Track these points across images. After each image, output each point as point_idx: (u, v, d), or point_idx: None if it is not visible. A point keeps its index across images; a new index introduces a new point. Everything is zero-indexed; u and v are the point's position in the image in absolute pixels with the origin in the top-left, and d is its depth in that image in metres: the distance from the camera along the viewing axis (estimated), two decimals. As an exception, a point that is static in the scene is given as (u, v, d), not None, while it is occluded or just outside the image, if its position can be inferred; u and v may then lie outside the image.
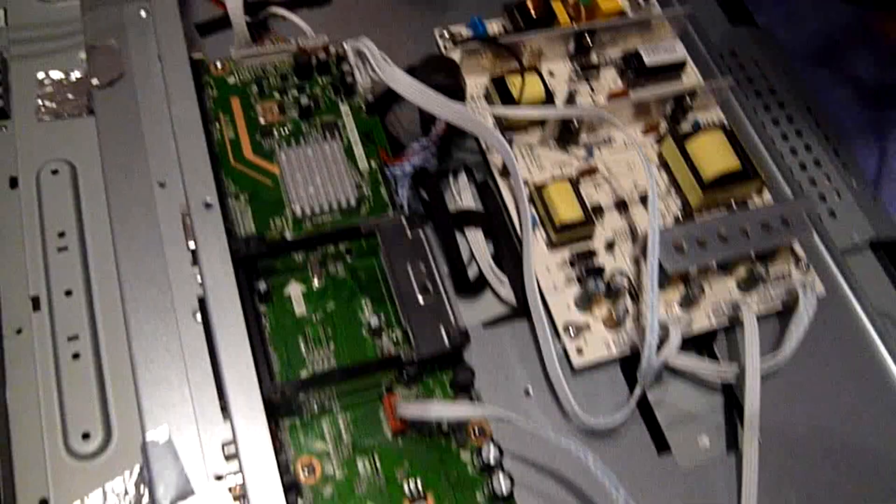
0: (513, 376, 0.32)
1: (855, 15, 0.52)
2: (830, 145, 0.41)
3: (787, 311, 0.34)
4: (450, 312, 0.29)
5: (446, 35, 0.39)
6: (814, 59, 0.49)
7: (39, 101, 0.38)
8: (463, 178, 0.36)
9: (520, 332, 0.33)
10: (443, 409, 0.27)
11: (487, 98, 0.37)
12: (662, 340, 0.31)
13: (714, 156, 0.34)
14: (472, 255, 0.35)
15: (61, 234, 0.35)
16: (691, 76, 0.40)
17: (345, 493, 0.27)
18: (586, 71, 0.38)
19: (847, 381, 0.34)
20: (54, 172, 0.36)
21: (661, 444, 0.32)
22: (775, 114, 0.42)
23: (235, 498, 0.27)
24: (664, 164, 0.36)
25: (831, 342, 0.35)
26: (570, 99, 0.37)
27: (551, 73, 0.38)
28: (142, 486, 0.30)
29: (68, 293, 0.33)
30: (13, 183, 0.37)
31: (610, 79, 0.39)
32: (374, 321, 0.30)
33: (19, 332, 0.33)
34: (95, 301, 0.33)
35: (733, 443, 0.33)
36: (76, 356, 0.32)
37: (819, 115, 0.42)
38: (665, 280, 0.33)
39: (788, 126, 0.41)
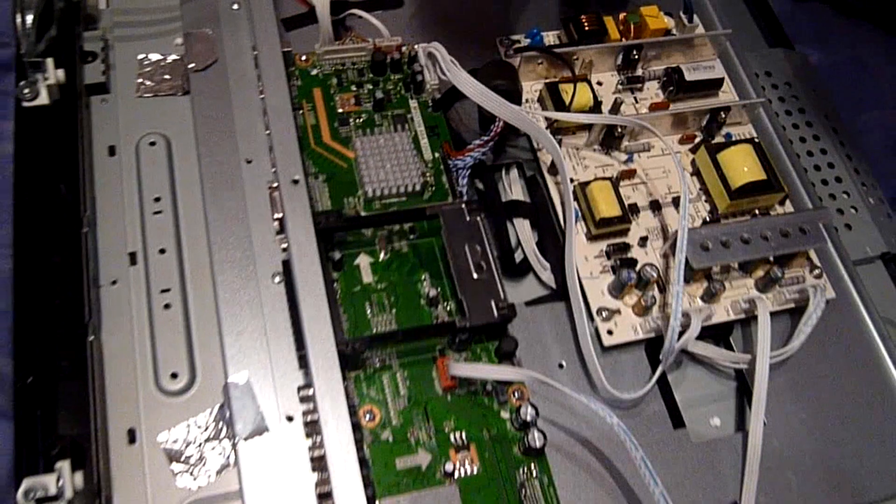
0: (549, 351, 0.36)
1: (886, 41, 0.56)
2: (852, 164, 0.45)
3: (798, 311, 0.38)
4: (500, 289, 0.33)
5: (507, 43, 0.43)
6: (845, 82, 0.52)
7: (139, 80, 0.43)
8: (514, 172, 0.40)
9: (557, 313, 0.37)
10: (490, 371, 0.32)
11: (541, 102, 0.41)
12: (684, 328, 0.35)
13: (742, 167, 0.38)
14: (519, 242, 0.39)
15: (157, 199, 0.39)
16: (728, 93, 0.43)
17: (399, 437, 0.32)
18: (632, 83, 0.42)
19: (849, 378, 0.38)
20: (152, 144, 0.41)
21: (677, 420, 0.36)
22: (803, 132, 0.45)
23: (307, 435, 0.31)
24: (696, 172, 0.40)
25: (837, 342, 0.39)
26: (616, 107, 0.41)
27: (599, 83, 0.42)
28: (220, 423, 0.34)
29: (162, 251, 0.38)
30: (112, 151, 0.41)
31: (653, 91, 0.43)
32: (431, 292, 0.34)
33: (114, 283, 0.38)
34: (185, 259, 0.38)
35: (742, 425, 0.36)
36: (167, 306, 0.37)
37: (843, 135, 0.46)
38: (690, 275, 0.37)
39: (814, 144, 0.45)
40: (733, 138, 0.41)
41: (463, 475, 0.31)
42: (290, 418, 0.32)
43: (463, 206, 0.35)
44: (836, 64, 0.53)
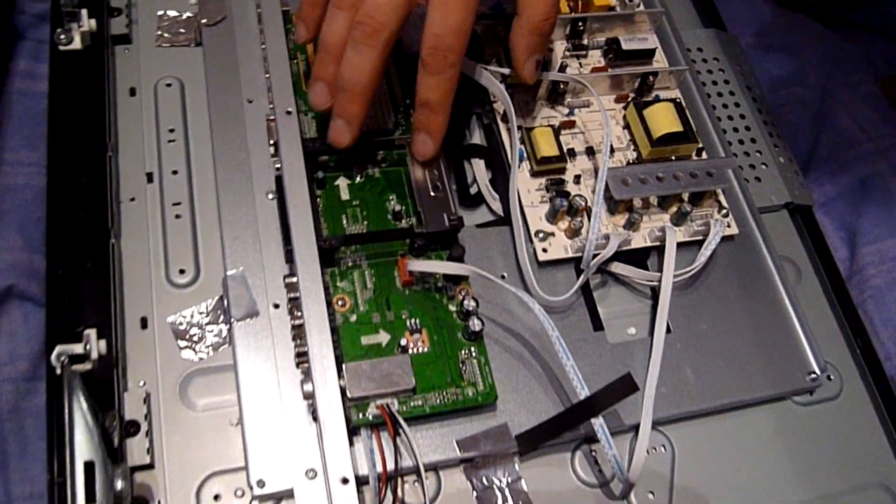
0: (494, 264, 0.43)
1: (817, 30, 0.63)
2: (767, 129, 0.52)
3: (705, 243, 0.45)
4: (451, 204, 0.41)
5: (473, 11, 0.50)
6: (772, 62, 0.60)
7: (158, 32, 0.50)
8: (474, 120, 0.48)
9: (503, 235, 0.44)
10: (439, 266, 0.39)
11: (499, 62, 0.48)
12: (606, 248, 0.42)
13: (662, 121, 0.46)
14: (475, 178, 0.46)
15: (171, 130, 0.46)
16: (660, 62, 0.51)
17: (364, 320, 0.39)
18: (577, 49, 0.50)
19: (747, 301, 0.45)
20: (168, 85, 0.48)
21: (598, 325, 0.43)
22: (726, 100, 0.53)
23: (290, 315, 0.39)
24: (627, 126, 0.48)
25: (739, 271, 0.46)
26: (562, 69, 0.48)
27: (550, 49, 0.50)
28: (219, 310, 0.42)
29: (174, 172, 0.45)
30: (132, 92, 0.48)
31: (595, 58, 0.50)
32: (397, 208, 0.41)
33: (132, 199, 0.45)
34: (194, 178, 0.45)
35: (652, 332, 0.44)
36: (178, 216, 0.44)
37: (762, 104, 0.53)
38: (615, 207, 0.44)
39: (735, 110, 0.52)
40: (660, 99, 0.48)
41: (415, 353, 0.39)
42: (276, 305, 0.40)
43: (426, 140, 0.43)
44: (767, 46, 0.61)
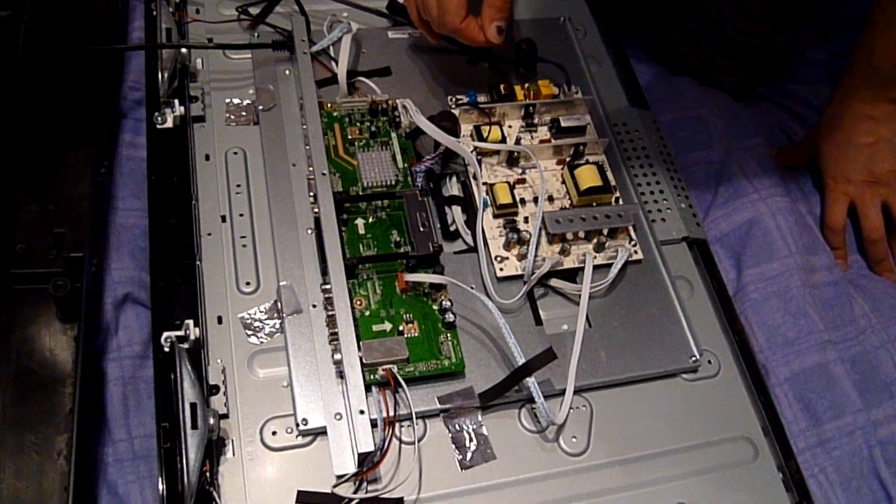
0: (466, 279, 0.61)
1: (726, 103, 0.82)
2: (674, 182, 0.71)
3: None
4: (435, 237, 0.59)
5: (454, 100, 0.69)
6: (685, 132, 0.79)
7: (226, 114, 0.69)
8: (454, 178, 0.66)
9: (472, 259, 0.62)
10: (425, 277, 0.57)
11: (472, 136, 0.67)
12: (543, 266, 0.61)
13: (587, 178, 0.64)
14: (454, 219, 0.65)
15: (238, 185, 0.65)
16: (591, 135, 0.69)
17: (374, 315, 0.57)
18: (529, 127, 0.69)
19: (648, 306, 0.63)
20: (234, 153, 0.67)
21: (538, 321, 0.61)
22: (643, 161, 0.71)
23: (327, 311, 0.57)
24: (563, 181, 0.66)
25: (644, 286, 0.64)
26: (517, 141, 0.67)
27: (510, 126, 0.68)
28: (274, 311, 0.60)
29: (241, 214, 0.63)
30: (207, 157, 0.67)
31: (543, 132, 0.69)
32: (397, 239, 0.60)
33: (209, 234, 0.63)
34: (255, 219, 0.63)
35: (579, 327, 0.62)
36: (244, 245, 0.62)
37: (671, 166, 0.72)
38: (552, 238, 0.63)
39: (649, 168, 0.71)
40: (589, 162, 0.67)
41: (408, 336, 0.57)
42: (314, 305, 0.58)
43: (418, 192, 0.61)
44: (683, 118, 0.79)
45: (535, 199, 0.65)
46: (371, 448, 0.51)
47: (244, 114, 0.69)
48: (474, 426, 0.57)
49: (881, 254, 0.74)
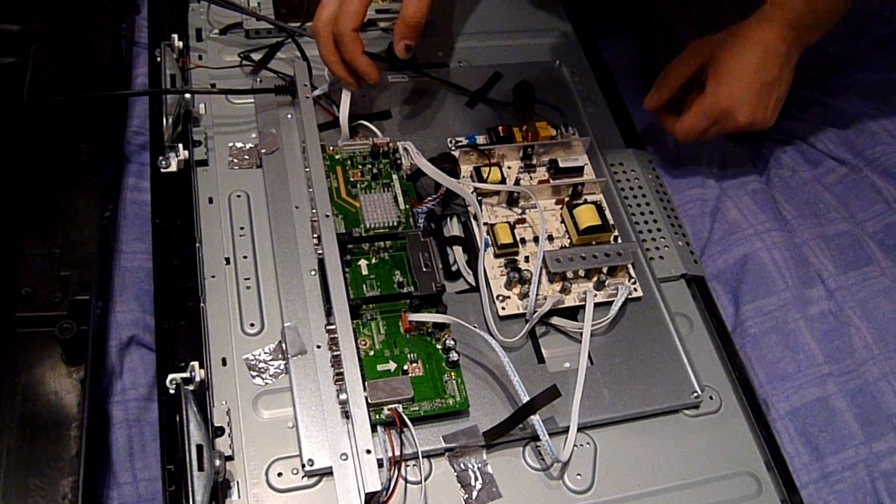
0: (468, 318, 0.62)
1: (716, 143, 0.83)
2: (670, 221, 0.72)
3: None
4: (437, 276, 0.60)
5: (453, 142, 0.70)
6: (679, 171, 0.80)
7: (230, 157, 0.70)
8: (455, 218, 0.67)
9: (474, 298, 0.63)
10: (429, 316, 0.58)
11: (471, 177, 0.68)
12: (545, 304, 0.61)
13: (586, 217, 0.65)
14: (455, 259, 0.66)
15: (241, 228, 0.66)
16: (589, 175, 0.71)
17: (379, 355, 0.58)
18: (528, 167, 0.70)
19: (649, 343, 0.64)
20: (238, 196, 0.68)
21: (541, 359, 0.62)
22: (640, 200, 0.72)
23: (332, 351, 0.57)
24: (563, 221, 0.67)
25: (644, 323, 0.65)
26: (517, 182, 0.68)
27: (509, 167, 0.70)
28: (278, 351, 0.60)
29: (245, 256, 0.64)
30: (210, 200, 0.68)
31: (541, 173, 0.70)
32: (400, 279, 0.61)
33: (213, 276, 0.64)
34: (258, 261, 0.64)
35: (581, 365, 0.62)
36: (248, 287, 0.63)
37: (667, 203, 0.73)
38: (553, 277, 0.63)
39: (646, 207, 0.72)
40: (588, 201, 0.68)
41: (412, 375, 0.57)
42: (318, 346, 0.58)
43: (420, 233, 0.62)
44: (679, 158, 0.81)
45: (536, 239, 0.66)
46: (378, 488, 0.51)
47: (247, 157, 0.70)
48: (479, 464, 0.57)
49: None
